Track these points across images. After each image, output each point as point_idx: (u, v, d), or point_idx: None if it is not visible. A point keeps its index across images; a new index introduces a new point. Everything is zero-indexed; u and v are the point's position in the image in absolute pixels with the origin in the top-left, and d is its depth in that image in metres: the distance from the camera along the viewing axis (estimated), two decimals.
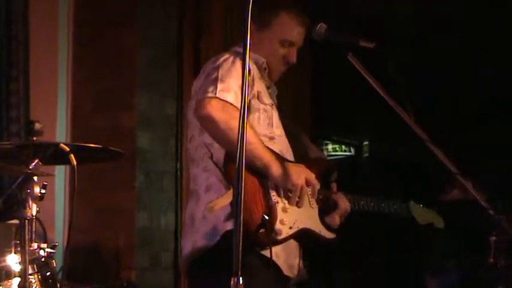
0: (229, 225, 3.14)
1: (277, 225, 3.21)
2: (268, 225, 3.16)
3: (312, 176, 3.33)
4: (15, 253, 3.09)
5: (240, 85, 3.17)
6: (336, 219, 3.49)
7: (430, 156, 3.18)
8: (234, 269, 2.22)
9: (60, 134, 5.36)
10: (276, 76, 3.57)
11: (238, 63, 3.30)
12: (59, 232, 5.23)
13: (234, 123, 3.06)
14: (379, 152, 8.21)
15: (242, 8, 2.48)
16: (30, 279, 3.08)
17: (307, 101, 6.84)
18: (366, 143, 8.37)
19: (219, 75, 3.27)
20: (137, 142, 5.25)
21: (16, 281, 3.05)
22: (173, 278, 5.38)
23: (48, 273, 3.17)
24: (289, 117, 3.76)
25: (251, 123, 3.30)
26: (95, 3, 5.51)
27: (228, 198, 3.16)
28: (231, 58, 3.35)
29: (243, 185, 2.28)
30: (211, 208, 3.20)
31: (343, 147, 8.50)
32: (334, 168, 3.63)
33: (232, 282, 2.21)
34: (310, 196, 3.37)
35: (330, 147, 8.38)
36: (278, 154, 3.34)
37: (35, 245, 3.14)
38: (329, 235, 3.44)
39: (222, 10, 5.56)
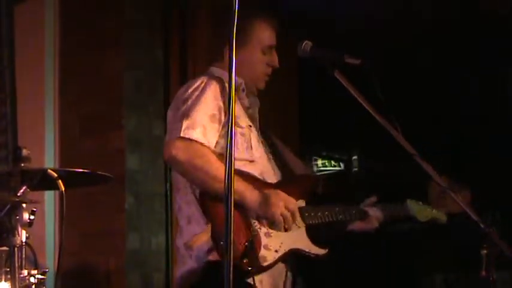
0: (211, 256, 3.19)
1: (262, 252, 3.20)
2: (252, 253, 3.14)
3: (290, 201, 3.29)
4: (5, 281, 3.08)
5: (211, 114, 3.27)
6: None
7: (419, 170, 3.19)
8: None
9: (49, 158, 5.34)
10: (262, 85, 3.59)
11: (210, 89, 3.33)
12: (50, 257, 5.21)
13: (199, 162, 3.18)
14: (368, 167, 8.22)
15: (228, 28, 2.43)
16: None
17: (295, 117, 6.83)
18: (355, 157, 8.37)
19: (186, 109, 3.29)
20: (126, 164, 5.23)
21: None
22: None
23: None
24: (274, 134, 3.76)
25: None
26: (81, 27, 5.51)
27: (207, 233, 3.17)
28: (202, 85, 3.35)
29: (232, 216, 2.24)
30: (191, 246, 3.25)
31: (333, 162, 8.51)
32: (319, 182, 3.65)
33: None
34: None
35: (319, 162, 8.39)
36: (256, 179, 3.35)
37: (25, 272, 3.12)
38: (320, 251, 3.41)
39: (207, 31, 5.56)
